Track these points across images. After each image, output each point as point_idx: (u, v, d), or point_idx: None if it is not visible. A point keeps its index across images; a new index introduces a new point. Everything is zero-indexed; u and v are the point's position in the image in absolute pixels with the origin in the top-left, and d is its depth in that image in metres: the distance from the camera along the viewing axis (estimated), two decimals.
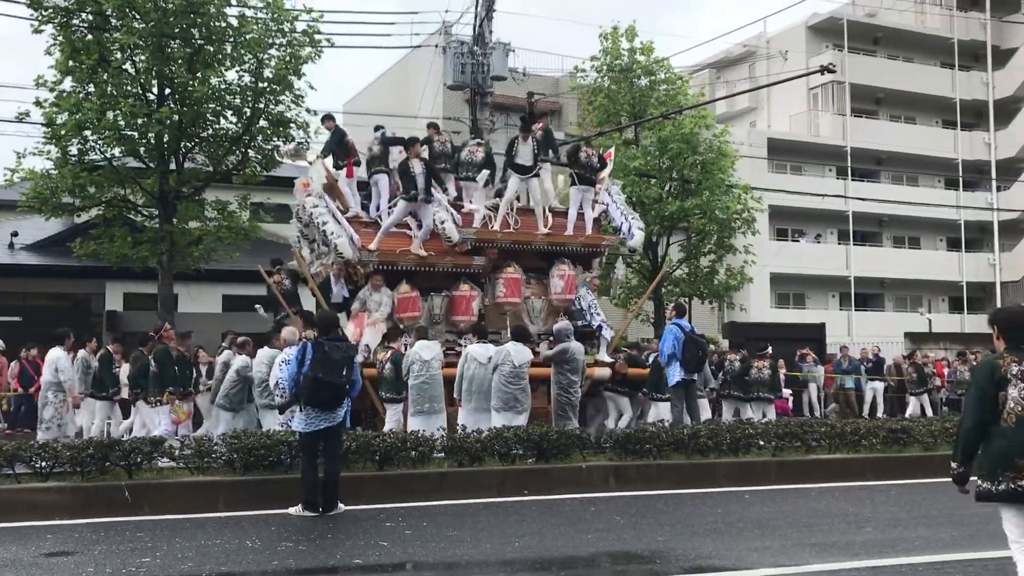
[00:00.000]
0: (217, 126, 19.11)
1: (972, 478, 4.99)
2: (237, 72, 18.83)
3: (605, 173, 14.01)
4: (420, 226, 12.52)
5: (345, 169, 13.47)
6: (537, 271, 13.29)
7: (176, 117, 17.68)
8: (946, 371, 20.10)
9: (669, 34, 70.88)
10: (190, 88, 17.82)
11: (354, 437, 9.36)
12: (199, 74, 17.94)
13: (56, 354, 12.29)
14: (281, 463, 8.98)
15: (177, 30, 17.79)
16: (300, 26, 18.77)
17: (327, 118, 14.11)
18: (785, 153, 37.76)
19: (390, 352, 11.51)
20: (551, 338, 12.03)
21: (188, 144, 18.92)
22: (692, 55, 77.24)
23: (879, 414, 18.56)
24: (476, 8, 19.64)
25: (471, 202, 13.17)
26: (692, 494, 9.32)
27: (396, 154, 13.08)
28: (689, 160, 23.37)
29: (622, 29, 24.50)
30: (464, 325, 12.46)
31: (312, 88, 19.39)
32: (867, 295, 39.37)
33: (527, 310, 13.07)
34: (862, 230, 39.41)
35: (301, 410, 8.23)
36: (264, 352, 11.10)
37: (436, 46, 21.89)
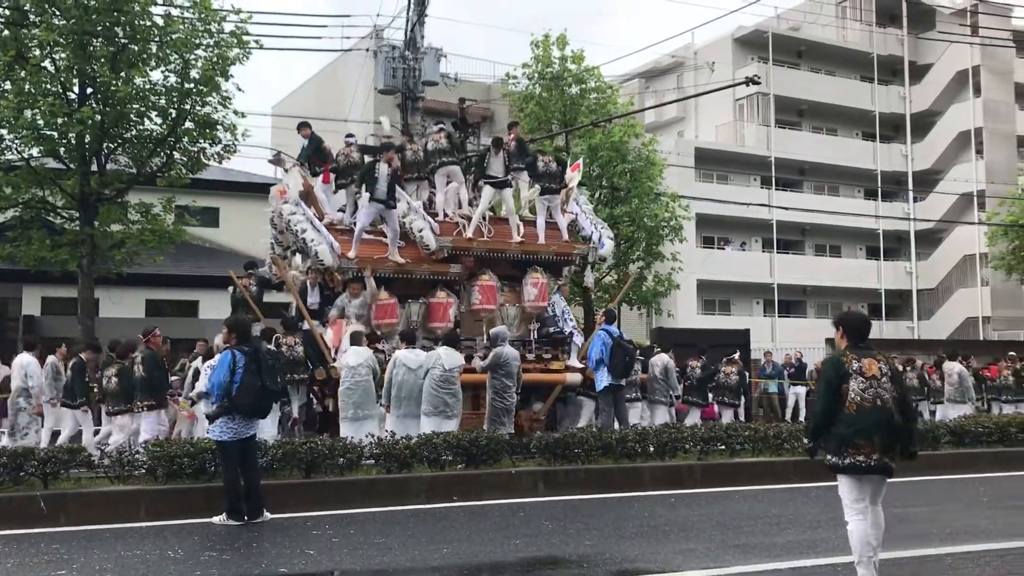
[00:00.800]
0: (141, 127, 18.66)
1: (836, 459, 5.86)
2: (162, 72, 18.42)
3: (573, 183, 14.26)
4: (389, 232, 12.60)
5: (321, 176, 13.43)
6: (510, 279, 13.47)
7: (98, 117, 17.21)
8: None
9: (599, 43, 71.73)
10: (113, 88, 17.36)
11: (279, 444, 9.25)
12: (123, 73, 17.50)
13: (25, 359, 12.31)
14: (205, 471, 8.81)
15: (99, 28, 17.33)
16: (228, 27, 18.45)
17: (303, 125, 13.97)
18: (712, 162, 38.47)
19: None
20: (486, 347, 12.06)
21: (111, 145, 18.44)
22: (622, 65, 78.24)
23: (801, 418, 19.04)
24: (408, 13, 19.59)
25: (452, 184, 13.35)
26: (620, 498, 9.43)
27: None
28: (618, 168, 23.67)
29: (553, 37, 24.72)
30: (441, 331, 12.44)
31: (240, 90, 19.08)
32: (790, 302, 40.30)
33: (502, 317, 13.20)
34: (785, 238, 40.35)
35: (228, 418, 8.09)
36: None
37: (367, 50, 21.76)
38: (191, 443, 9.10)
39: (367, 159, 13.16)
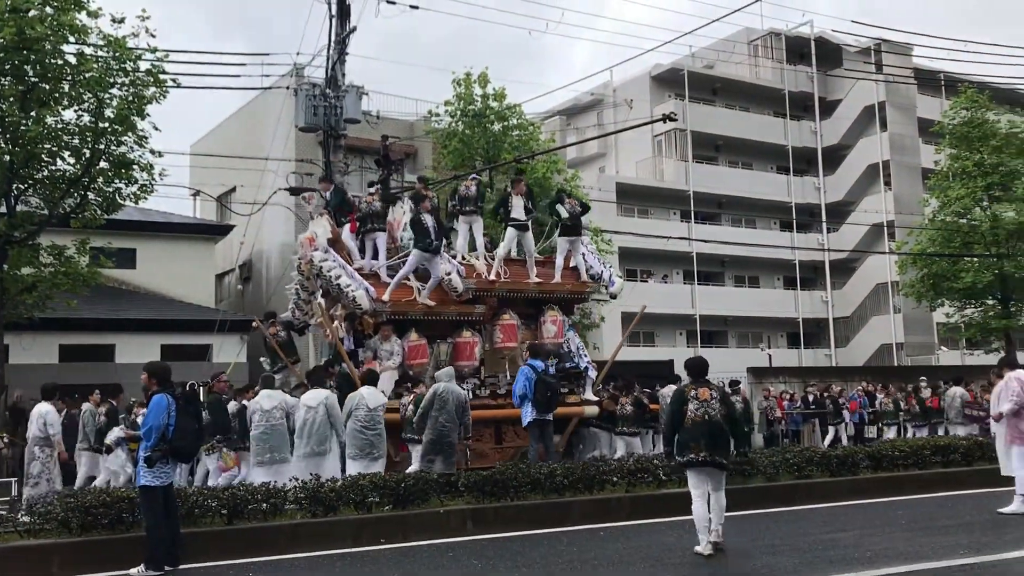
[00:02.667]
0: (53, 167, 18.21)
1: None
2: (76, 111, 18.04)
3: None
4: (428, 277, 13.10)
5: (348, 225, 13.90)
6: (527, 317, 13.99)
7: (7, 157, 16.74)
8: (786, 404, 21.14)
9: (520, 82, 72.62)
10: (23, 127, 16.92)
11: (199, 491, 9.00)
12: (33, 113, 17.07)
13: (44, 408, 12.29)
14: (122, 521, 8.52)
15: (8, 66, 16.90)
16: (144, 65, 18.18)
17: (324, 179, 14.88)
18: (633, 197, 39.13)
19: (412, 395, 11.98)
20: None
21: (21, 186, 17.93)
22: (543, 102, 79.27)
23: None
24: (328, 51, 19.57)
25: (476, 235, 14.03)
26: (549, 533, 9.39)
27: (397, 211, 14.13)
28: (541, 204, 23.84)
29: (475, 76, 24.95)
30: (468, 370, 13.14)
31: (157, 129, 18.80)
32: (712, 332, 41.02)
33: (521, 354, 13.53)
34: (706, 270, 41.15)
35: (161, 463, 7.85)
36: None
37: (287, 88, 21.63)
38: (107, 492, 8.79)
39: (397, 207, 14.14)
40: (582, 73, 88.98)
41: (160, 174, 19.07)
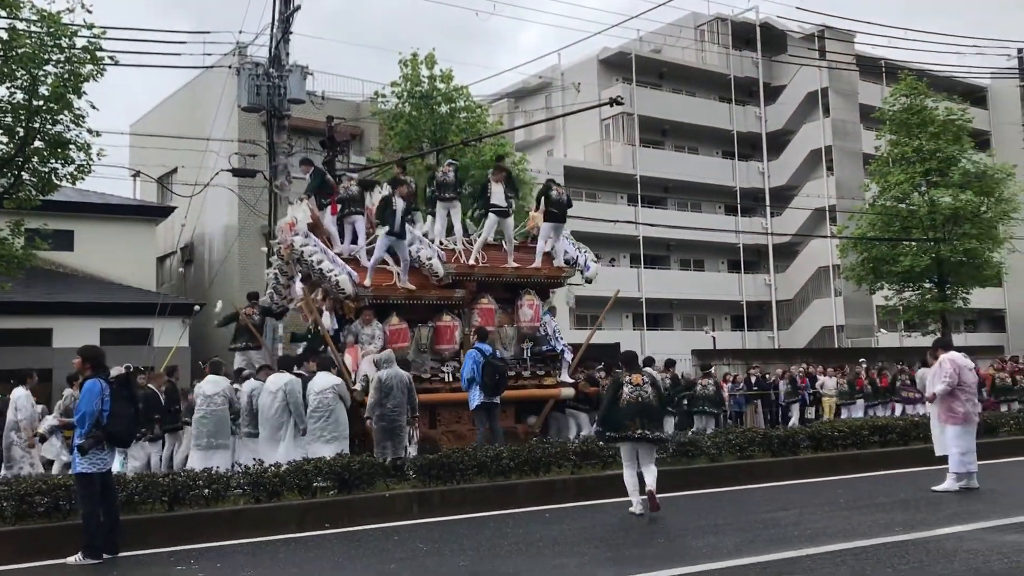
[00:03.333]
0: None
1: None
2: (8, 88, 17.43)
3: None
4: (397, 261, 13.18)
5: (328, 207, 13.91)
6: (504, 301, 14.16)
7: None
8: (729, 386, 21.45)
9: (468, 63, 72.25)
10: None
11: (139, 477, 8.85)
12: None
13: (17, 393, 12.30)
14: (59, 509, 8.33)
15: None
16: (80, 42, 17.64)
17: (304, 162, 14.68)
18: (580, 181, 39.24)
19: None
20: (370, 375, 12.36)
21: None
22: (491, 85, 79.01)
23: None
24: (272, 30, 19.19)
25: (454, 221, 14.23)
26: (495, 516, 9.42)
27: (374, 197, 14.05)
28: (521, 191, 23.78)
29: (421, 56, 24.74)
30: (448, 353, 13.42)
31: (94, 108, 18.25)
32: (658, 315, 41.43)
33: (500, 337, 13.88)
34: (652, 254, 41.49)
35: (96, 449, 7.70)
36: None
37: (230, 67, 21.19)
38: (44, 479, 8.60)
39: (375, 192, 14.14)
40: (530, 56, 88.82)
41: (98, 154, 18.52)
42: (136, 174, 29.95)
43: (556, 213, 14.26)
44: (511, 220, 14.26)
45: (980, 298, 36.06)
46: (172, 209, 27.49)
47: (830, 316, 42.85)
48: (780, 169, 45.42)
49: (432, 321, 13.51)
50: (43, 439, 12.80)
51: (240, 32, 33.18)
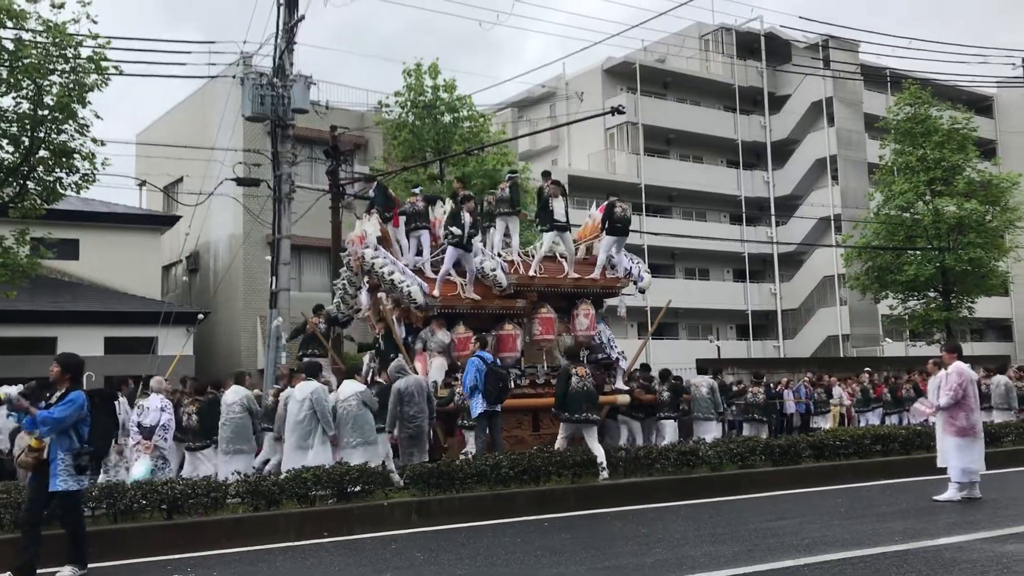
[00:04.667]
0: None
1: None
2: (14, 98, 17.56)
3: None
4: (462, 273, 13.76)
5: (391, 220, 14.49)
6: (560, 311, 14.58)
7: None
8: (786, 392, 21.33)
9: (472, 74, 72.30)
10: None
11: (138, 485, 8.87)
12: None
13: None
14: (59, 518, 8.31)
15: None
16: (85, 52, 17.76)
17: (368, 179, 15.53)
18: (585, 190, 39.17)
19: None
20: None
21: None
22: (495, 94, 79.18)
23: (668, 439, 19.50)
24: (276, 40, 19.27)
25: (513, 233, 14.73)
26: (493, 525, 9.41)
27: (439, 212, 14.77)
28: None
29: (425, 66, 24.81)
30: (510, 360, 13.73)
31: (98, 117, 18.38)
32: (663, 324, 41.29)
33: (558, 346, 14.45)
34: (657, 262, 41.39)
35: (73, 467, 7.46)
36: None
37: (234, 77, 21.28)
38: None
39: (437, 207, 14.81)
40: (534, 66, 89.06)
41: (103, 163, 18.67)
42: (142, 183, 30.05)
43: (620, 228, 14.80)
44: (570, 234, 14.85)
45: (986, 307, 35.95)
46: (177, 218, 27.61)
47: (835, 325, 42.74)
48: (785, 178, 45.38)
49: (495, 330, 13.97)
50: None
51: (245, 42, 33.41)
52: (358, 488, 9.70)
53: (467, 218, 13.44)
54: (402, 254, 14.35)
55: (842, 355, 40.59)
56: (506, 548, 8.15)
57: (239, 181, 20.35)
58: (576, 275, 14.66)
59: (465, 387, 12.38)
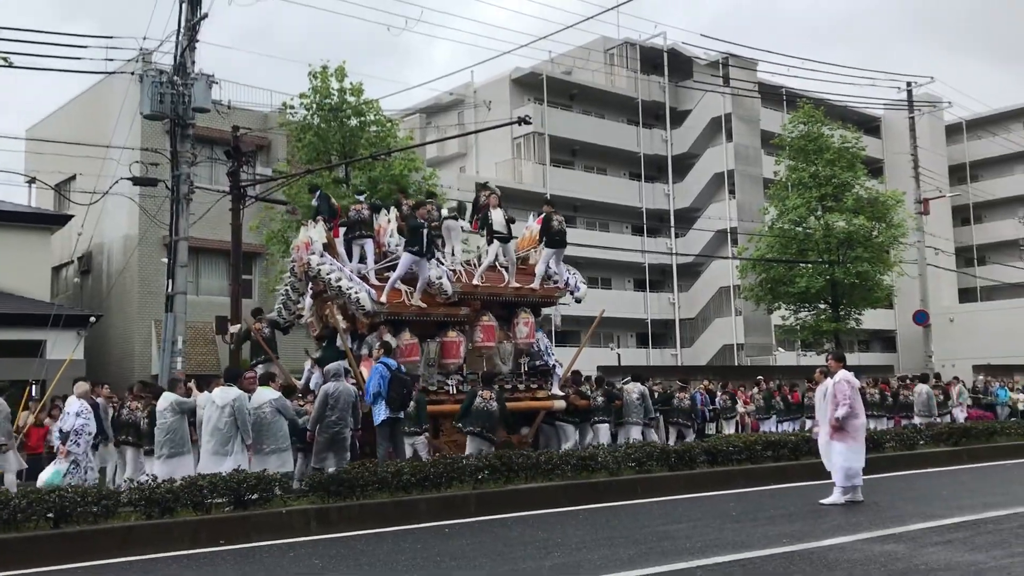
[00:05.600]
0: None
1: None
2: None
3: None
4: (408, 280, 13.97)
5: (333, 229, 14.75)
6: (501, 319, 15.04)
7: None
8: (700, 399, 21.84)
9: (380, 78, 71.92)
10: None
11: (23, 493, 8.55)
12: None
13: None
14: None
15: None
16: None
17: (313, 189, 15.76)
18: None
19: (413, 393, 12.84)
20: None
21: None
22: (403, 100, 78.90)
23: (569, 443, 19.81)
24: (178, 37, 18.81)
25: (455, 243, 15.34)
26: (394, 532, 9.39)
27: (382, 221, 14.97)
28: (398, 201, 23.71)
29: (332, 69, 24.57)
30: (453, 367, 14.29)
31: None
32: (566, 332, 41.79)
33: (499, 352, 14.96)
34: None
35: None
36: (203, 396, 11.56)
37: (133, 73, 20.68)
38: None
39: (382, 215, 15.00)
40: (443, 73, 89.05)
41: None
42: (31, 180, 28.87)
43: (558, 240, 15.46)
44: (512, 244, 15.40)
45: (872, 319, 37.57)
46: (69, 217, 26.58)
47: (731, 335, 43.99)
48: (685, 191, 46.53)
49: (439, 337, 14.28)
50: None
51: (145, 39, 32.29)
52: (255, 496, 9.55)
53: (425, 227, 13.76)
54: (344, 262, 14.39)
55: (736, 364, 41.79)
56: (406, 554, 8.16)
57: (135, 180, 19.76)
58: (517, 284, 15.14)
59: (368, 394, 12.34)
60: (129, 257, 26.78)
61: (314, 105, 24.43)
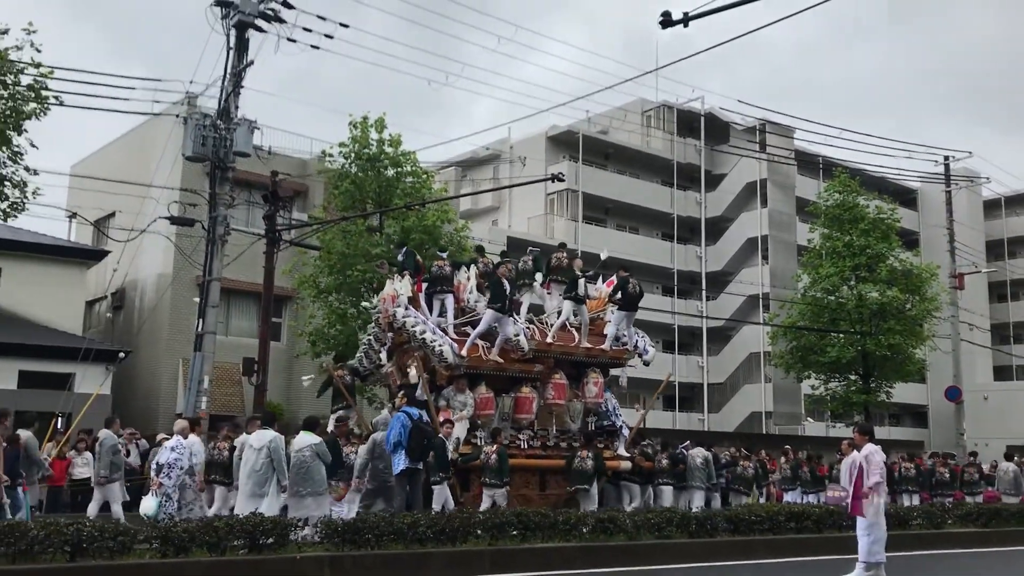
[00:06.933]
0: None
1: None
2: None
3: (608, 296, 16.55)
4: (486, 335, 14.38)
5: (416, 284, 15.28)
6: (570, 378, 15.33)
7: None
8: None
9: (418, 131, 73.10)
10: None
11: (42, 525, 8.57)
12: None
13: (192, 439, 12.62)
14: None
15: None
16: (26, 80, 17.55)
17: (400, 245, 16.86)
18: (522, 252, 39.44)
19: (495, 446, 13.43)
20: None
21: None
22: (440, 152, 79.86)
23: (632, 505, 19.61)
24: (223, 82, 19.25)
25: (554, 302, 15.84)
26: None
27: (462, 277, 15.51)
28: (430, 252, 23.90)
29: (372, 120, 24.98)
30: (525, 422, 14.71)
31: (34, 146, 18.12)
32: (624, 393, 41.53)
33: (568, 411, 15.25)
34: None
35: None
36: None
37: (177, 116, 21.15)
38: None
39: (462, 272, 15.54)
40: (481, 128, 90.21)
41: (33, 193, 18.38)
42: (72, 216, 29.43)
43: (631, 304, 15.85)
44: (586, 306, 15.69)
45: (903, 393, 36.97)
46: (106, 253, 27.00)
47: (759, 402, 43.45)
48: (717, 254, 46.42)
49: (513, 392, 14.68)
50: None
51: (191, 82, 32.99)
52: (271, 540, 9.52)
53: (507, 284, 14.35)
54: (426, 316, 14.88)
55: (764, 432, 41.20)
56: None
57: (173, 220, 20.08)
58: (588, 344, 15.47)
59: (388, 443, 12.31)
60: (161, 295, 27.10)
61: (352, 154, 24.80)
